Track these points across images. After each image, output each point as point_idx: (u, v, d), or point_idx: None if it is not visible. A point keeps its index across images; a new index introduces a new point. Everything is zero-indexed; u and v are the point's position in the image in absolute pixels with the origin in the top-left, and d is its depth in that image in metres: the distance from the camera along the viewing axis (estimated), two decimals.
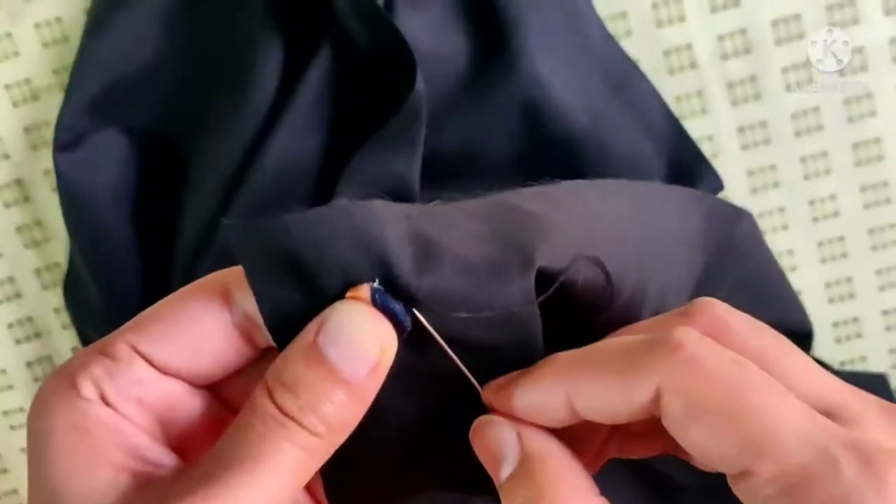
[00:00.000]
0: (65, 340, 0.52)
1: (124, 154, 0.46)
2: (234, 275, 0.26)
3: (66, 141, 0.45)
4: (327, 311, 0.24)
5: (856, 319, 0.49)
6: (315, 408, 0.24)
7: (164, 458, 0.26)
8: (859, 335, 0.49)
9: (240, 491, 0.23)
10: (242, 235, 0.24)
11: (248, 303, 0.25)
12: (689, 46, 0.46)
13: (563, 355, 0.25)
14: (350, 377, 0.24)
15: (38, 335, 0.52)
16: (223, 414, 0.28)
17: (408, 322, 0.25)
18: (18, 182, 0.49)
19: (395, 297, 0.25)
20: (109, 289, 0.47)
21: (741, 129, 0.47)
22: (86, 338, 0.51)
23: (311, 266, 0.24)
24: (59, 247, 0.50)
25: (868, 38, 0.46)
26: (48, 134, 0.47)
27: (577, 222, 0.28)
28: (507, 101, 0.44)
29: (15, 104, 0.48)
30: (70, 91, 0.45)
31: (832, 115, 0.46)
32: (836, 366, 0.50)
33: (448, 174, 0.45)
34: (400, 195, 0.43)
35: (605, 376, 0.23)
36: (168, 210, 0.46)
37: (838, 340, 0.50)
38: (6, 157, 0.49)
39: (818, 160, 0.47)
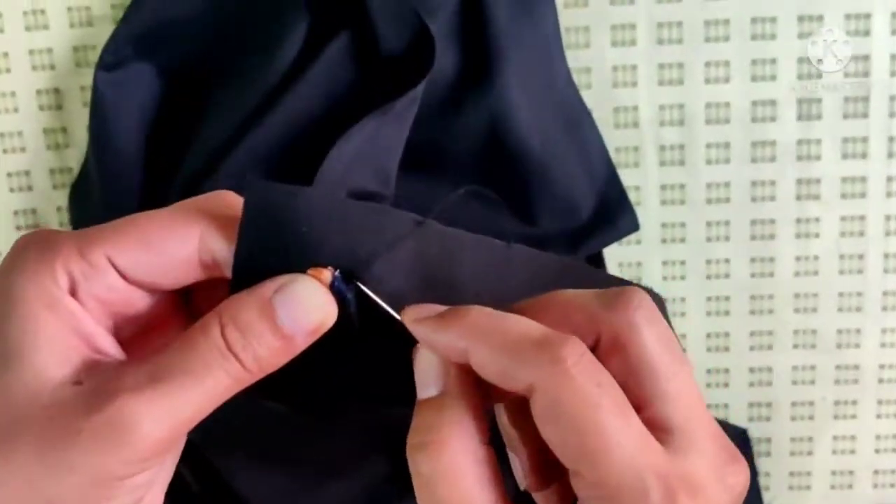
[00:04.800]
0: None
1: (154, 85, 0.54)
2: (213, 213, 0.31)
3: (109, 63, 0.53)
4: (289, 277, 0.30)
5: (727, 370, 0.58)
6: (254, 350, 0.29)
7: (113, 349, 0.30)
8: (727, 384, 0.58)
9: (177, 396, 0.28)
10: (258, 188, 0.30)
11: (215, 243, 0.31)
12: (635, 108, 0.55)
13: (475, 313, 0.29)
14: (289, 335, 0.29)
15: (37, 226, 0.59)
16: (168, 315, 0.33)
17: (353, 307, 0.31)
18: (57, 91, 0.57)
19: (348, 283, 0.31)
20: (113, 197, 0.55)
21: (663, 187, 0.56)
22: None
23: (298, 239, 0.30)
24: (76, 155, 0.58)
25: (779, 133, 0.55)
26: (93, 56, 0.56)
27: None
28: (477, 116, 0.53)
29: (72, 25, 0.56)
30: (121, 23, 0.53)
31: (739, 192, 0.56)
32: None
33: (418, 163, 0.53)
34: (381, 168, 0.51)
35: (497, 355, 0.28)
36: (179, 141, 0.54)
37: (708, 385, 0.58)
38: (52, 67, 0.57)
39: (721, 227, 0.56)
